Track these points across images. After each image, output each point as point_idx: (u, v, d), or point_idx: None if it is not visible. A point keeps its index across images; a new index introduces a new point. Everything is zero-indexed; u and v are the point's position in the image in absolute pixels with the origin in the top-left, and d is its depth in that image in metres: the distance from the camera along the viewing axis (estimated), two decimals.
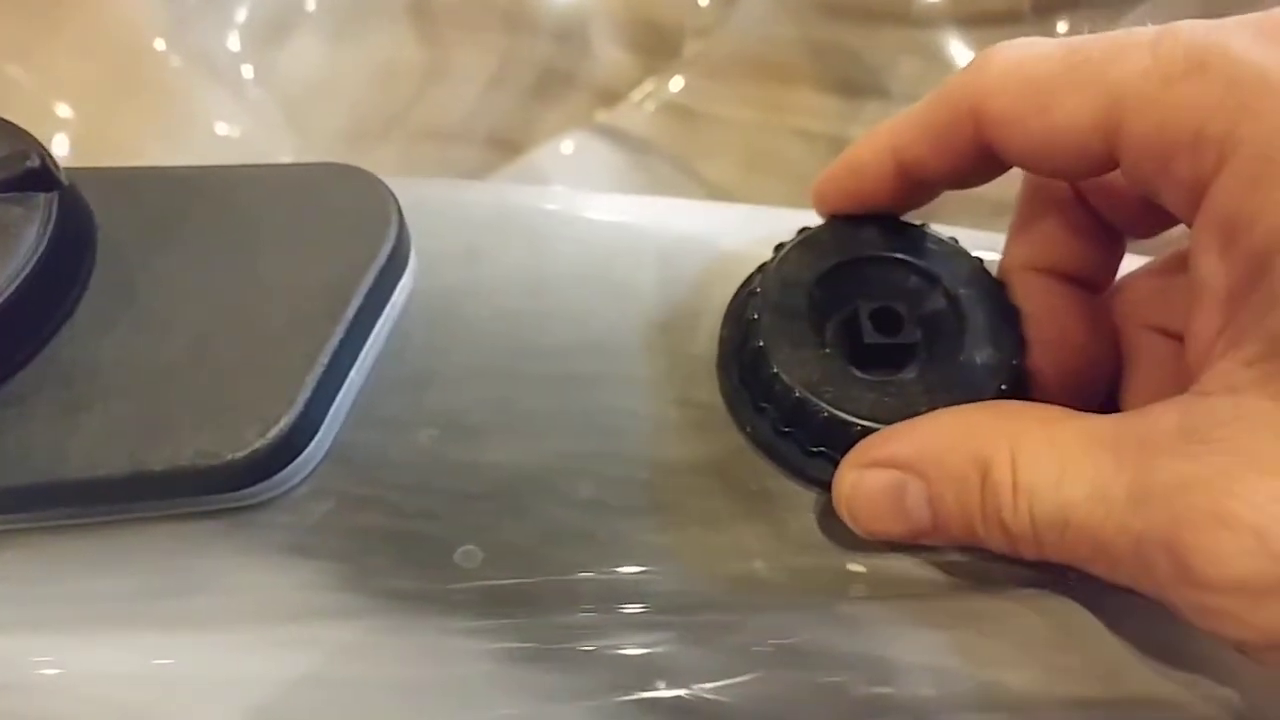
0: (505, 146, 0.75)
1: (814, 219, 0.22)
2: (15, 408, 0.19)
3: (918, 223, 0.22)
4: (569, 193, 0.24)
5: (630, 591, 0.19)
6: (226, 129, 0.71)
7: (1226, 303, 0.16)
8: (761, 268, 0.21)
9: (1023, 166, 0.19)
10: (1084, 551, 0.17)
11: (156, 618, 0.19)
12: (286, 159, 0.69)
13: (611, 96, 0.75)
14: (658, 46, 0.77)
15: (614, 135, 0.73)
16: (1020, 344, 0.20)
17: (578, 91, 0.76)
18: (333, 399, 0.20)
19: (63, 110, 0.66)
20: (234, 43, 0.74)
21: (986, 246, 0.22)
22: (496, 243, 0.23)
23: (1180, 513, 0.15)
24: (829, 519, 0.20)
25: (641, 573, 0.19)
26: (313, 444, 0.20)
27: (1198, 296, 0.17)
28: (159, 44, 0.71)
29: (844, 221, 0.21)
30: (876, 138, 0.20)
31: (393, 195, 0.21)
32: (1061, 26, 0.68)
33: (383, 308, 0.21)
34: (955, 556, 0.20)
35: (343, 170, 0.22)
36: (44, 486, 0.19)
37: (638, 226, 0.23)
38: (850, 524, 0.19)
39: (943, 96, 0.19)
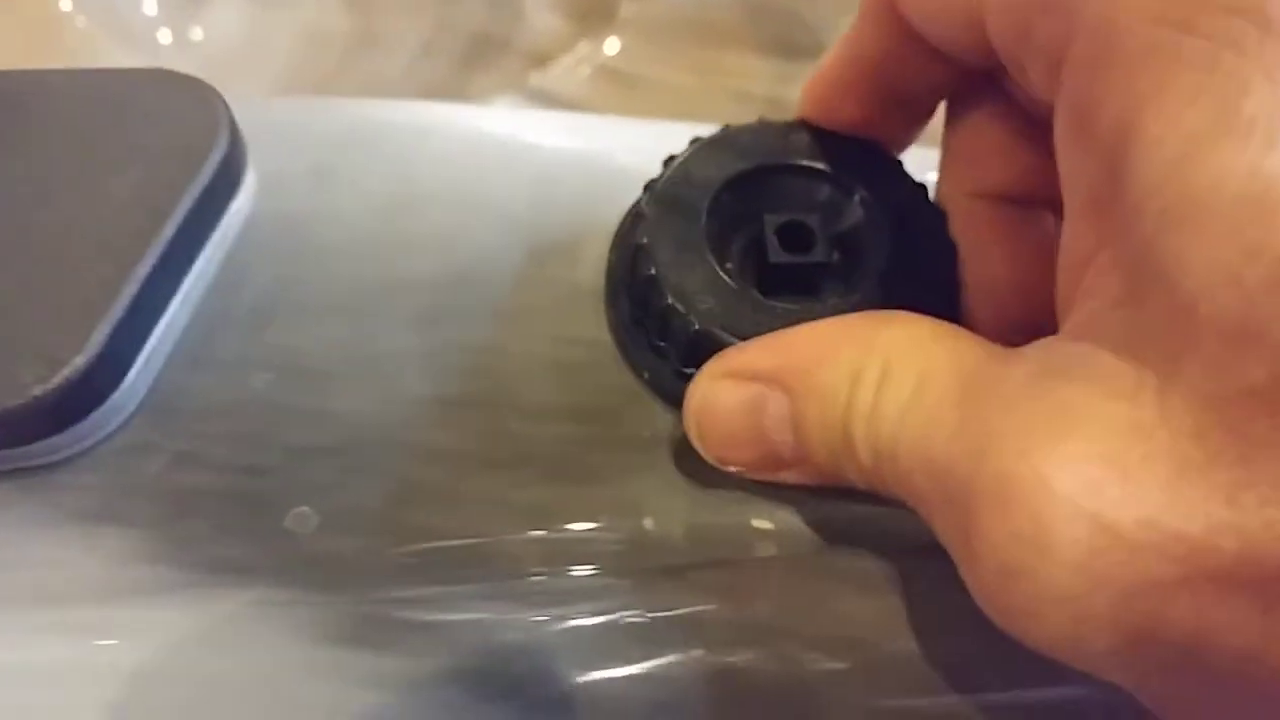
0: None
1: (708, 133, 0.19)
2: None
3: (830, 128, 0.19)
4: (435, 106, 0.21)
5: (488, 559, 0.16)
6: None
7: (1092, 210, 0.13)
8: (650, 185, 0.18)
9: (930, 41, 0.17)
10: (904, 492, 0.14)
11: None
12: None
13: (545, 61, 0.73)
14: (592, 9, 0.75)
15: (548, 99, 0.70)
16: (951, 268, 0.18)
17: (511, 57, 0.74)
18: (145, 337, 0.17)
19: None
20: (150, 7, 0.71)
21: (911, 162, 0.19)
22: (352, 162, 0.20)
23: (976, 470, 0.12)
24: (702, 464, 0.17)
25: (505, 538, 0.16)
26: (120, 390, 0.17)
27: (1066, 199, 0.14)
28: (64, 4, 0.67)
29: (744, 129, 0.19)
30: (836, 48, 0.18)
31: (224, 103, 0.18)
32: None
33: (210, 231, 0.18)
34: (865, 508, 0.17)
35: (171, 77, 0.19)
36: None
37: (513, 143, 0.20)
38: (699, 447, 0.16)
39: None
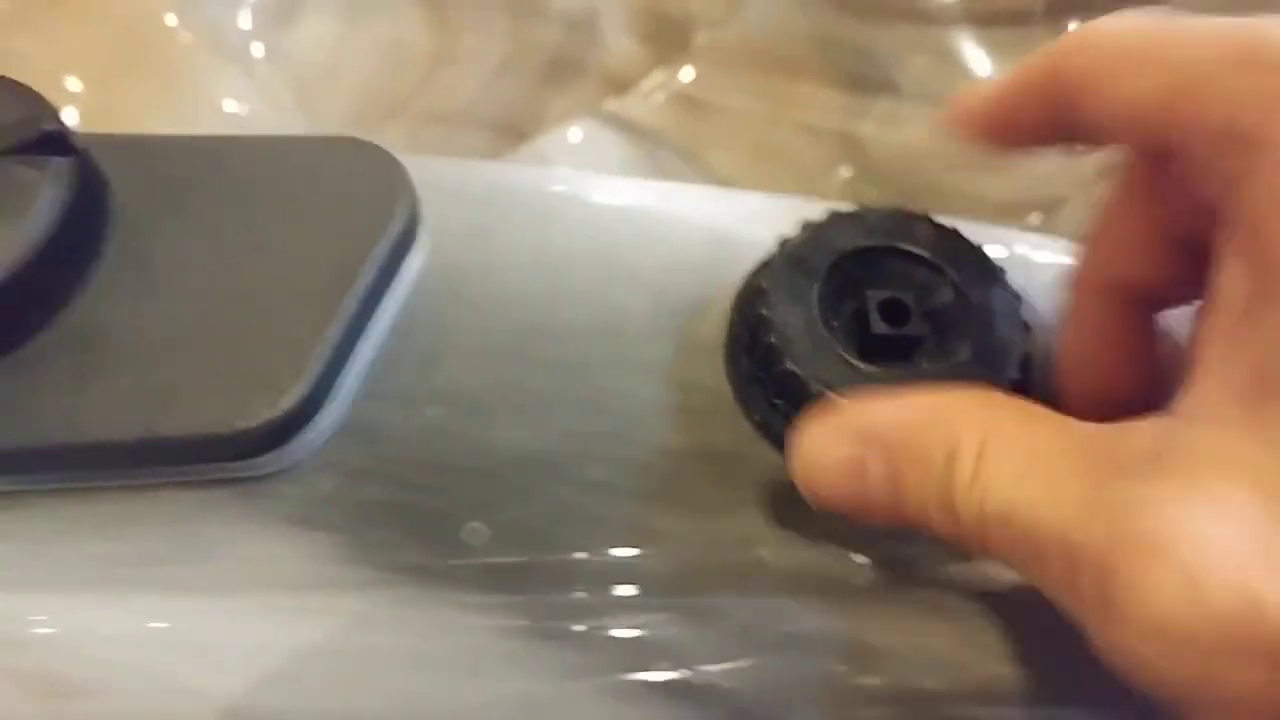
0: (512, 132, 0.74)
1: (818, 210, 0.22)
2: (29, 372, 0.19)
3: (923, 214, 0.22)
4: (577, 174, 0.24)
5: (632, 573, 0.19)
6: (235, 106, 0.71)
7: (1234, 312, 0.15)
8: (768, 261, 0.21)
9: (1094, 133, 0.19)
10: (1021, 552, 0.16)
11: (160, 582, 0.19)
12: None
13: (620, 85, 0.75)
14: (667, 36, 0.77)
15: (621, 124, 0.73)
16: (1022, 339, 0.20)
17: (586, 79, 0.76)
18: (342, 372, 0.20)
19: (71, 84, 0.66)
20: (245, 20, 0.74)
21: (988, 240, 0.22)
22: (505, 222, 0.23)
23: (1117, 532, 0.14)
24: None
25: (644, 555, 0.19)
26: (321, 416, 0.20)
27: (1211, 292, 0.16)
28: (170, 19, 0.70)
29: (846, 214, 0.22)
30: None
31: (404, 170, 0.21)
32: (1073, 27, 0.68)
33: (392, 282, 0.21)
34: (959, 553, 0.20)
35: (356, 145, 0.22)
36: (55, 449, 0.19)
37: (644, 210, 0.23)
38: (802, 487, 0.18)
39: (1040, 53, 0.19)
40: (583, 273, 0.22)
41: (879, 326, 0.20)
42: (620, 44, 0.78)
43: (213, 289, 0.20)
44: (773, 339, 0.20)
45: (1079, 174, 0.62)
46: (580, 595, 0.19)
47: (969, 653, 0.18)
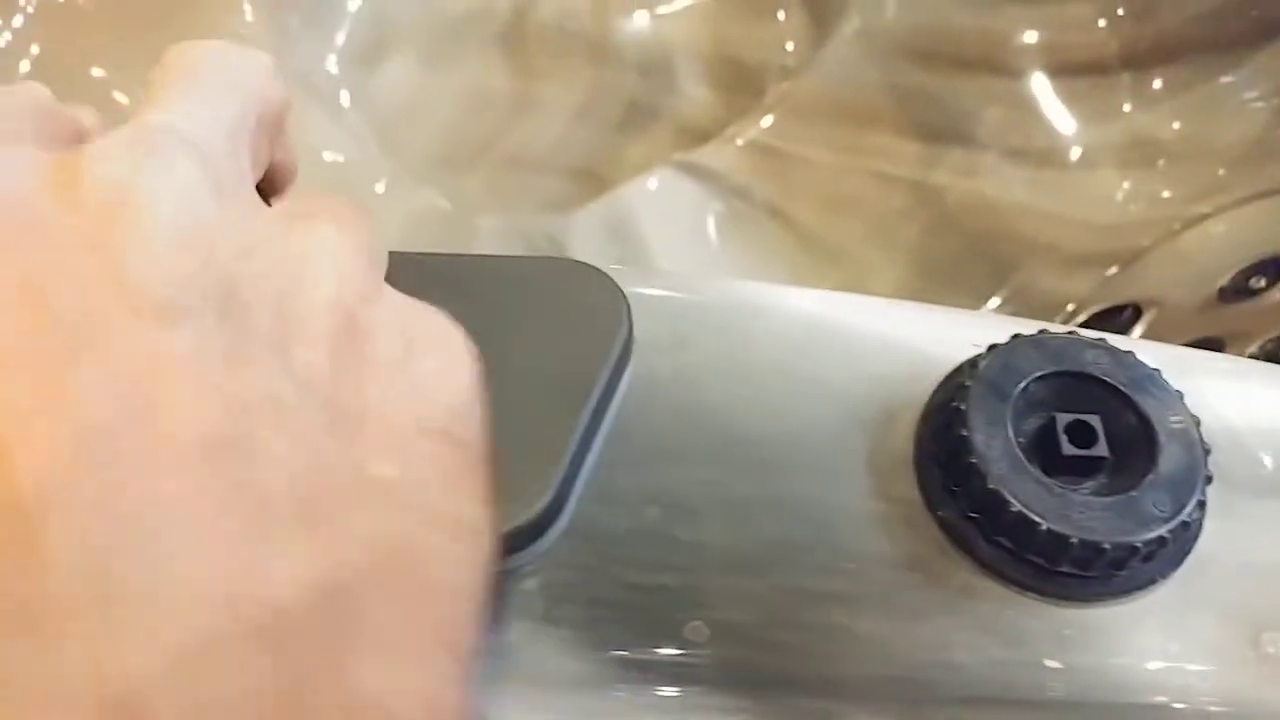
0: (590, 179, 0.77)
1: (1002, 326, 0.24)
2: None
3: (1099, 339, 0.24)
4: (764, 287, 0.26)
5: (850, 680, 0.21)
6: (331, 156, 0.73)
7: None
8: (961, 382, 0.23)
9: None
10: None
11: None
12: (383, 185, 0.72)
13: (695, 132, 0.77)
14: (742, 85, 0.78)
15: (698, 172, 0.74)
16: (1203, 462, 0.22)
17: (662, 126, 0.77)
18: (575, 480, 0.22)
19: None
20: (333, 66, 0.76)
21: (1165, 361, 0.24)
22: (700, 333, 0.25)
23: None
24: (1017, 612, 0.22)
25: (845, 661, 0.21)
26: (558, 520, 0.22)
27: None
28: None
29: (1029, 338, 0.23)
30: None
31: (620, 290, 0.24)
32: (1156, 83, 0.69)
33: (615, 395, 0.23)
34: (1159, 663, 0.21)
35: (573, 266, 0.24)
36: None
37: (830, 321, 0.25)
38: None
39: None
40: (772, 383, 0.24)
41: (1068, 449, 0.22)
42: (695, 92, 0.80)
43: None
44: (974, 459, 0.21)
45: (1161, 224, 0.63)
46: (805, 701, 0.20)
47: None
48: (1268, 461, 0.24)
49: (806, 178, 0.75)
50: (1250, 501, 0.23)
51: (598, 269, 0.24)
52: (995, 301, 0.64)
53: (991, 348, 0.23)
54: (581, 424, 0.22)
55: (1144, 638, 0.21)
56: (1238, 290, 0.57)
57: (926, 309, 0.26)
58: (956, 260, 0.70)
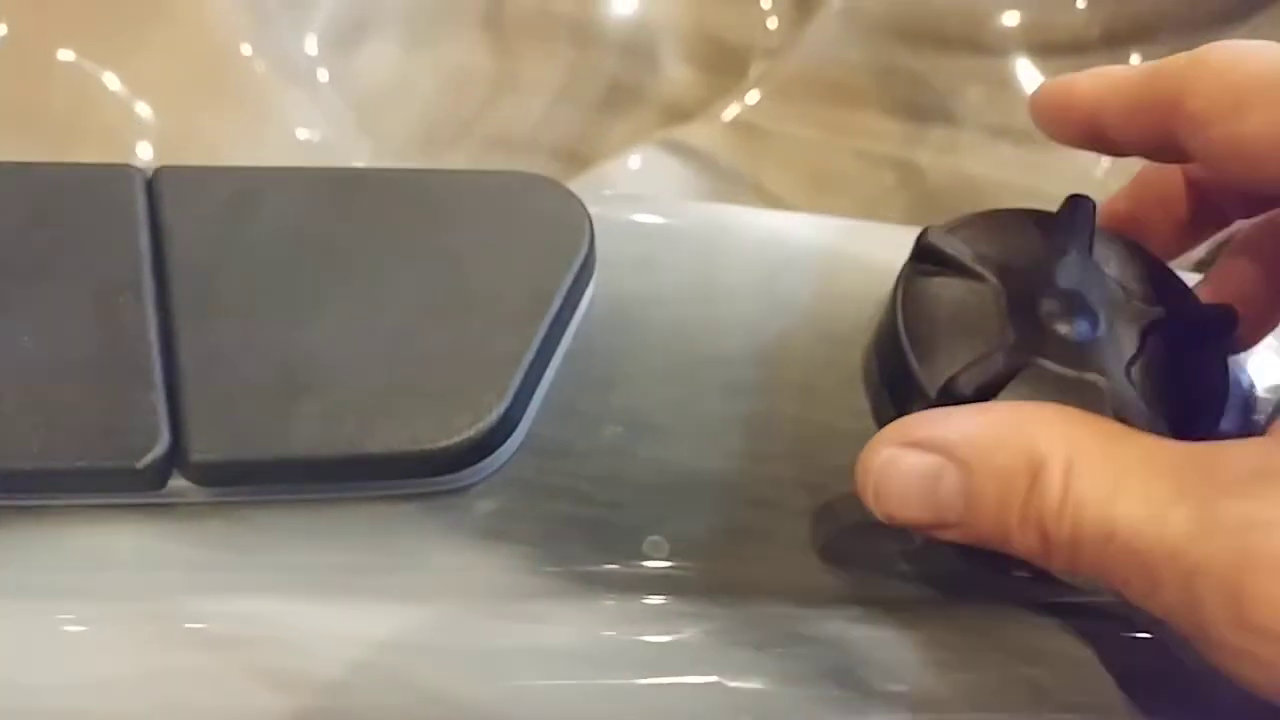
0: (573, 158, 0.76)
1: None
2: (243, 390, 0.20)
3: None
4: (733, 208, 0.25)
5: (811, 589, 0.20)
6: (307, 134, 0.73)
7: None
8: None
9: (1207, 166, 0.20)
10: (1123, 571, 0.16)
11: (370, 590, 0.20)
12: (362, 162, 0.71)
13: (678, 112, 0.76)
14: (725, 64, 0.78)
15: (681, 151, 0.74)
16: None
17: (644, 106, 0.77)
18: (532, 394, 0.21)
19: (149, 112, 0.68)
20: (311, 46, 0.76)
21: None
22: (670, 254, 0.24)
23: (1245, 553, 0.15)
24: None
25: (822, 570, 0.20)
26: (513, 435, 0.21)
27: None
28: (245, 49, 0.72)
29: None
30: (1088, 82, 0.21)
31: (582, 205, 0.23)
32: (1134, 58, 0.69)
33: (574, 310, 0.22)
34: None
35: (536, 180, 0.23)
36: (267, 464, 0.20)
37: (799, 241, 0.25)
38: (871, 503, 0.18)
39: (1150, 77, 0.19)
40: (742, 302, 0.24)
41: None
42: (677, 71, 0.79)
43: (413, 314, 0.21)
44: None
45: None
46: (764, 608, 0.20)
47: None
48: None
49: (790, 156, 0.75)
50: None
51: (559, 184, 0.23)
52: None
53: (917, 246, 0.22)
54: (538, 337, 0.21)
55: None
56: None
57: (894, 228, 0.25)
58: None
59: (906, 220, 0.72)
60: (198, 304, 0.21)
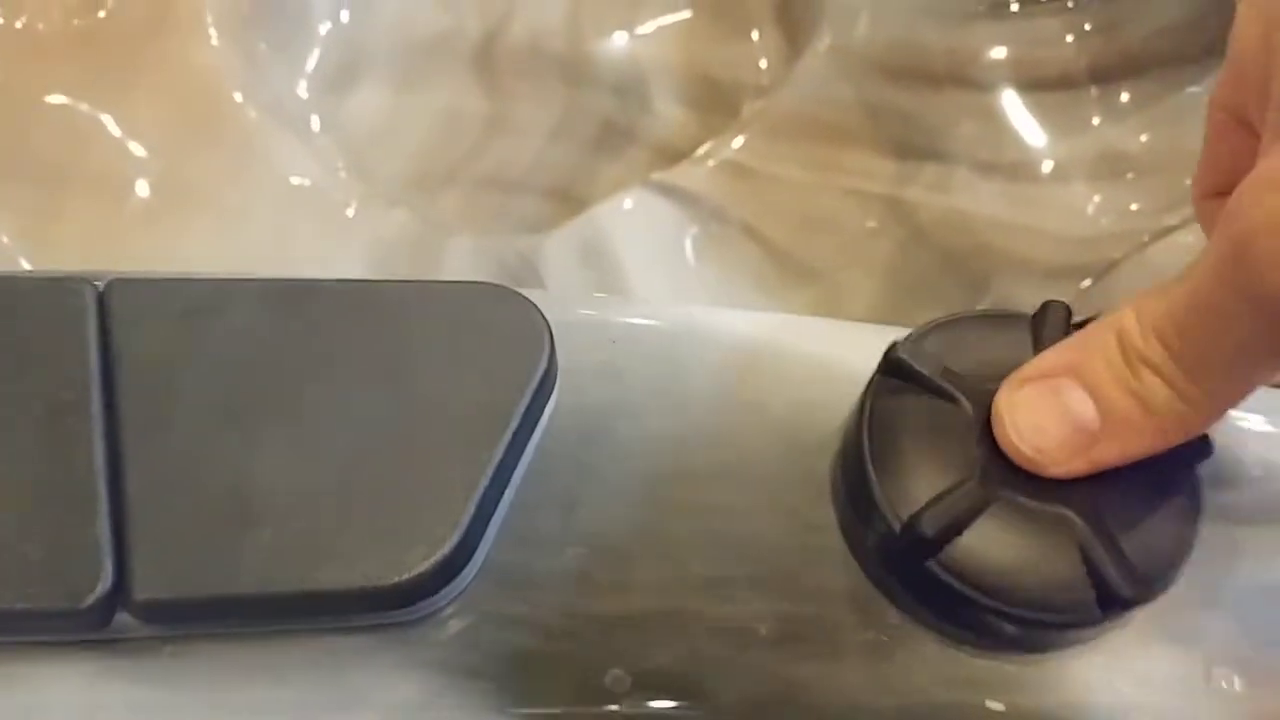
0: (566, 199, 0.76)
1: None
2: (191, 523, 0.20)
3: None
4: (701, 311, 0.25)
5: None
6: (299, 179, 0.72)
7: None
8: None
9: None
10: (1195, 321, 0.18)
11: None
12: (353, 208, 0.70)
13: (670, 152, 0.76)
14: (716, 104, 0.78)
15: (672, 192, 0.73)
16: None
17: (637, 146, 0.77)
18: (489, 520, 0.21)
19: (142, 156, 0.68)
20: (302, 90, 0.76)
21: None
22: (633, 360, 0.23)
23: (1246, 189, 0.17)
24: (951, 658, 0.20)
25: (782, 704, 0.20)
26: (469, 563, 0.20)
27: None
28: (238, 96, 0.72)
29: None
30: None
31: (542, 317, 0.22)
32: (1124, 96, 0.69)
33: (534, 427, 0.22)
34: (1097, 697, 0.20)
35: (492, 290, 0.23)
36: (214, 601, 0.20)
37: (771, 345, 0.24)
38: (1015, 446, 0.19)
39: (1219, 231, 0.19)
40: (710, 414, 0.23)
41: None
42: (669, 111, 0.79)
43: (362, 439, 0.21)
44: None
45: (1131, 237, 0.62)
46: None
47: None
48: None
49: (781, 197, 0.75)
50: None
51: (518, 293, 0.22)
52: None
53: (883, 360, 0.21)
54: (495, 459, 0.20)
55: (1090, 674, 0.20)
56: None
57: (863, 328, 0.25)
58: (931, 276, 0.69)
59: (899, 259, 0.71)
60: (146, 427, 0.20)
